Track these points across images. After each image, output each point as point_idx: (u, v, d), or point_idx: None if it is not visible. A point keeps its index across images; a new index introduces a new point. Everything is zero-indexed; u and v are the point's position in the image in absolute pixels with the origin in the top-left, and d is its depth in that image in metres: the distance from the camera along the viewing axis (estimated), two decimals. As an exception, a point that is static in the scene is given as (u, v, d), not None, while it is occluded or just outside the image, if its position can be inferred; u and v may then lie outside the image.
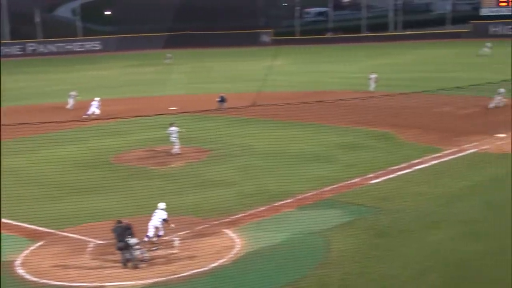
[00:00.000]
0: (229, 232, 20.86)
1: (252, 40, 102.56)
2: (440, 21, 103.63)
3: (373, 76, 49.64)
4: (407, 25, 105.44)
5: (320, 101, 25.96)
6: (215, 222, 21.63)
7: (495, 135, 31.78)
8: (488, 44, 69.02)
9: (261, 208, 22.91)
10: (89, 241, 19.93)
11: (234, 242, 19.99)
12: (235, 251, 19.31)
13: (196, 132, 29.83)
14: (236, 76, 66.37)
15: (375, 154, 28.41)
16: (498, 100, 38.92)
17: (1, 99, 47.44)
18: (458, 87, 29.26)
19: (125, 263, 18.17)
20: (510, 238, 19.11)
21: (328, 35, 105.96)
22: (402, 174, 26.41)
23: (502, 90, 38.42)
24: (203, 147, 31.74)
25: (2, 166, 26.05)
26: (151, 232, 19.51)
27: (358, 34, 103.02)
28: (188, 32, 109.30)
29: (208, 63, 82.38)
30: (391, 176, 26.19)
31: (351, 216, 21.87)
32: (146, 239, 19.38)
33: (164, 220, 19.67)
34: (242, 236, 20.43)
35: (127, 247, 18.10)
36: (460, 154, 29.06)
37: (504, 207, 21.74)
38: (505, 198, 22.71)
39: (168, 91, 55.69)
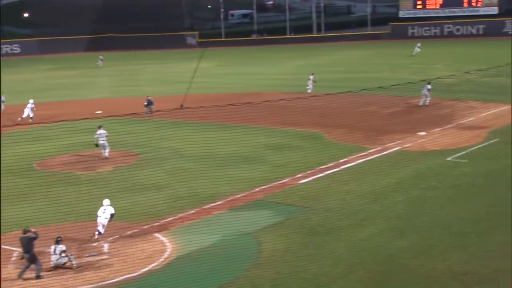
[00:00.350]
0: (159, 236, 20.67)
1: (178, 43, 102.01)
2: (361, 23, 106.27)
3: (311, 77, 50.42)
4: (330, 27, 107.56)
5: (248, 103, 26.13)
6: (145, 226, 21.41)
7: (416, 134, 32.89)
8: (419, 44, 71.27)
9: (192, 211, 22.84)
10: (13, 251, 19.29)
11: (165, 246, 19.84)
12: (166, 255, 19.17)
13: (124, 136, 29.40)
14: (162, 78, 65.84)
15: (304, 154, 28.82)
16: (425, 98, 40.37)
17: None
18: (380, 87, 30.05)
19: (38, 274, 17.60)
20: (432, 232, 19.86)
21: (253, 37, 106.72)
22: (330, 173, 26.92)
23: (429, 86, 39.89)
24: (132, 151, 31.32)
25: None
26: (101, 228, 20.20)
27: (283, 36, 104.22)
28: (111, 34, 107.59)
29: (134, 66, 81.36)
30: (319, 175, 26.65)
31: (282, 216, 22.12)
32: (96, 237, 20.07)
33: (112, 215, 20.37)
34: (173, 239, 20.30)
35: (33, 259, 17.57)
36: (385, 153, 29.91)
37: (425, 203, 22.54)
38: (426, 194, 23.57)
39: (94, 94, 54.65)
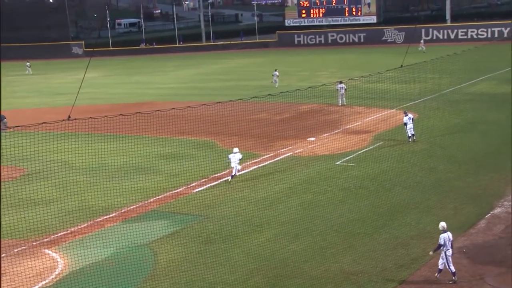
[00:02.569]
0: (50, 252, 19.96)
1: (63, 52, 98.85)
2: (249, 32, 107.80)
3: (276, 73, 54.87)
4: (219, 35, 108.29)
5: (138, 113, 25.69)
6: (34, 243, 20.56)
7: (307, 139, 33.76)
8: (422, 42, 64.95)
9: (84, 225, 22.21)
10: None
11: (57, 262, 19.17)
12: (57, 271, 18.55)
13: (8, 149, 28.02)
14: (46, 89, 63.53)
15: (198, 162, 28.79)
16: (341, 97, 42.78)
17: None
18: (270, 94, 30.56)
19: None
20: (325, 235, 20.44)
21: (142, 46, 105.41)
22: (225, 180, 27.05)
23: (342, 85, 41.87)
24: (17, 166, 29.92)
25: None
26: (235, 171, 26.68)
27: (172, 45, 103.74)
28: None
29: (15, 77, 77.93)
30: (214, 183, 26.73)
31: (177, 226, 21.97)
32: (230, 178, 26.46)
33: (240, 160, 26.94)
34: (65, 255, 19.64)
35: None
36: (277, 159, 30.47)
37: (317, 206, 23.18)
38: (318, 198, 24.26)
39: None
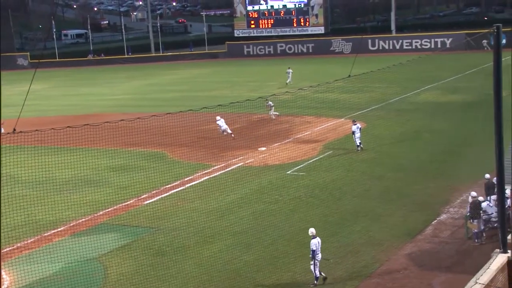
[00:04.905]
0: (-4, 268, 19.37)
1: (7, 64, 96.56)
2: (198, 42, 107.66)
3: (290, 70, 59.04)
4: (168, 46, 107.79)
5: (87, 124, 25.29)
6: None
7: (258, 149, 33.90)
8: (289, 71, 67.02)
9: (31, 240, 21.73)
10: None
11: (2, 279, 18.65)
12: (4, 288, 18.04)
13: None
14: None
15: (148, 174, 28.54)
16: (272, 113, 42.09)
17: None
18: (220, 105, 30.56)
19: None
20: (276, 244, 20.55)
21: (90, 57, 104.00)
22: (175, 192, 26.93)
23: (270, 103, 41.54)
24: (-41, 180, 29.05)
25: None
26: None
27: (121, 56, 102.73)
28: None
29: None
30: (165, 194, 26.56)
31: (128, 239, 21.73)
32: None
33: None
34: (11, 271, 19.20)
35: None
36: (228, 169, 30.49)
37: (269, 216, 23.29)
38: (269, 207, 24.39)
39: None
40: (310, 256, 17.74)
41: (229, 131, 36.25)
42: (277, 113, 42.72)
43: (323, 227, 22.00)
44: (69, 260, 19.69)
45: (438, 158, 30.55)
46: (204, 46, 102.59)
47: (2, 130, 38.68)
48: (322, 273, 17.69)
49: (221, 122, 36.14)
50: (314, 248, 17.62)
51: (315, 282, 17.58)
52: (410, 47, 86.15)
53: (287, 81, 60.23)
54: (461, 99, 45.80)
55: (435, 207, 23.62)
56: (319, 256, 17.69)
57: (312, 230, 18.02)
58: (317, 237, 17.88)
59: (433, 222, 22.11)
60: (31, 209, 23.91)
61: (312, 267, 17.64)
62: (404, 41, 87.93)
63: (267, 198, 25.57)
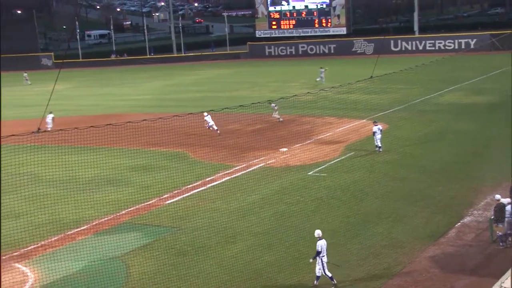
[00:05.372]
0: (20, 266, 19.68)
1: (32, 64, 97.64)
2: (220, 43, 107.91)
3: (322, 69, 60.20)
4: (190, 47, 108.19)
5: (109, 124, 25.53)
6: (3, 257, 20.18)
7: (279, 150, 33.85)
8: (322, 70, 64.07)
9: (55, 238, 21.93)
10: None
11: (27, 276, 18.90)
12: (28, 285, 18.27)
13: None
14: (17, 101, 62.71)
15: (170, 174, 28.66)
16: (276, 114, 41.63)
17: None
18: (241, 105, 30.61)
19: None
20: (297, 245, 20.49)
21: (113, 57, 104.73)
22: (197, 192, 26.98)
23: (273, 105, 41.10)
24: (-16, 179, 29.41)
25: None
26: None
27: (143, 56, 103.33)
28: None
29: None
30: (186, 194, 26.62)
31: (150, 238, 21.82)
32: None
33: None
34: (36, 268, 19.38)
35: None
36: (249, 169, 30.47)
37: (290, 217, 23.23)
38: (290, 208, 24.32)
39: None
40: (314, 256, 17.79)
41: (215, 127, 38.06)
42: (279, 117, 41.87)
43: (345, 228, 21.92)
44: (92, 258, 19.84)
45: (462, 160, 30.25)
46: (226, 47, 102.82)
47: (50, 127, 39.55)
48: (334, 280, 17.55)
49: (208, 118, 38.09)
50: (320, 249, 17.67)
51: (315, 282, 17.63)
52: (433, 48, 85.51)
53: (317, 79, 60.40)
54: (486, 100, 45.33)
55: (459, 209, 23.38)
56: (325, 257, 17.71)
57: (318, 232, 18.12)
58: (323, 239, 17.90)
59: (456, 225, 21.88)
60: (55, 207, 24.16)
61: (317, 268, 17.65)
62: (427, 42, 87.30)
63: (289, 199, 25.51)
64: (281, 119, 41.83)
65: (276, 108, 41.64)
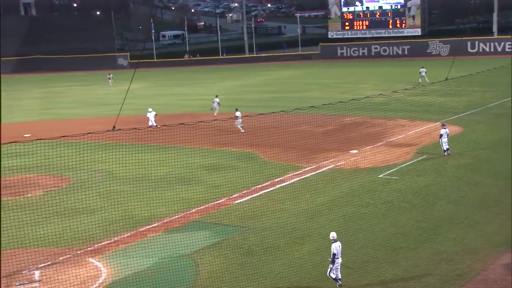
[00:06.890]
0: (94, 260, 20.23)
1: (109, 64, 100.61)
2: (292, 44, 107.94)
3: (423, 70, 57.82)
4: (262, 47, 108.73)
5: (181, 124, 26.02)
6: (78, 251, 20.89)
7: (349, 151, 33.53)
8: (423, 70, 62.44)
9: (127, 234, 22.46)
10: None
11: (100, 271, 19.41)
12: (101, 280, 18.77)
13: (55, 159, 28.63)
14: (93, 100, 64.76)
15: (239, 174, 28.88)
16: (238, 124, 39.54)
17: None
18: (312, 106, 30.50)
19: None
20: (367, 248, 20.21)
21: (186, 57, 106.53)
22: (266, 192, 27.05)
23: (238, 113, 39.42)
24: (63, 175, 30.55)
25: None
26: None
27: (215, 56, 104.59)
28: (38, 56, 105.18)
29: (62, 88, 79.67)
30: (255, 194, 26.74)
31: (219, 237, 22.03)
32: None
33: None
34: (108, 264, 19.89)
35: None
36: (319, 171, 30.31)
37: (360, 219, 22.94)
38: (360, 211, 24.02)
39: (18, 117, 52.98)
40: (330, 259, 17.60)
41: (155, 124, 40.28)
42: (241, 127, 39.63)
43: (416, 233, 21.47)
44: (162, 255, 20.20)
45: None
46: (298, 48, 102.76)
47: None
48: (339, 281, 17.51)
49: (151, 115, 41.32)
50: (335, 252, 17.50)
51: (339, 282, 17.50)
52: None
53: (420, 81, 58.17)
54: None
55: (536, 216, 22.47)
56: (339, 260, 17.57)
57: (333, 234, 17.92)
58: (338, 241, 17.72)
59: (533, 233, 21.04)
60: (128, 204, 24.77)
61: (328, 271, 17.56)
62: (507, 43, 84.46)
63: (358, 201, 25.21)
64: (242, 131, 39.59)
65: (239, 116, 39.57)
